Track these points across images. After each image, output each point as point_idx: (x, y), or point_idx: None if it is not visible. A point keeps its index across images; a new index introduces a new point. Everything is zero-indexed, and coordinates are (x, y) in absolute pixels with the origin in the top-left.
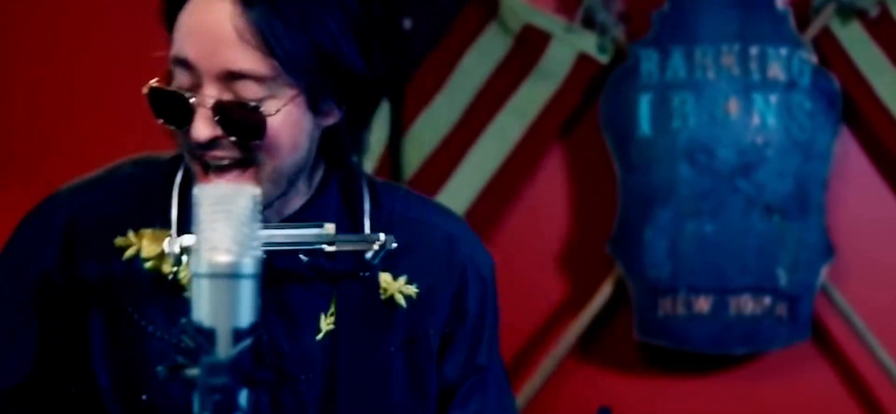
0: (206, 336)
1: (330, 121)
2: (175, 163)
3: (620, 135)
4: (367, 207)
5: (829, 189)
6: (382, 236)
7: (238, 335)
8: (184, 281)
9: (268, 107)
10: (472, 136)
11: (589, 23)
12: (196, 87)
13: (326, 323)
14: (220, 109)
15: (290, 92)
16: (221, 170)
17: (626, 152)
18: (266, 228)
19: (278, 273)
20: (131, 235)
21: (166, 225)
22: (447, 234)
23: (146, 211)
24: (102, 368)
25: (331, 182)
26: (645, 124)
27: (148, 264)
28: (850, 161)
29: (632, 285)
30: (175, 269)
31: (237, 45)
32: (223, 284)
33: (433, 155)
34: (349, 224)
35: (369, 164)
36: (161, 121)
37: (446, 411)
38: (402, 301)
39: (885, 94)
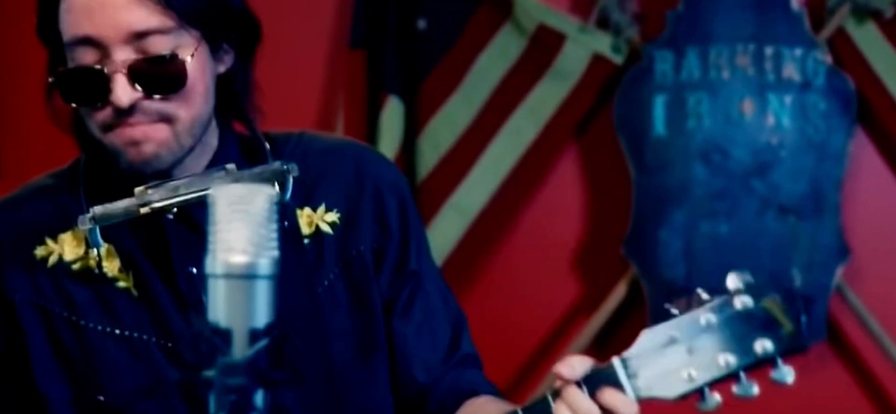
0: (223, 337)
1: (224, 67)
2: (74, 167)
3: (635, 135)
4: (267, 151)
5: (843, 190)
6: (282, 163)
7: (254, 336)
8: (107, 269)
9: (181, 54)
10: (487, 137)
11: (603, 23)
12: (103, 62)
13: None
14: (137, 69)
15: (192, 40)
16: (135, 125)
17: (640, 153)
18: (175, 184)
19: (198, 236)
20: (50, 242)
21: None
22: (353, 156)
23: (60, 215)
24: (52, 381)
25: (228, 140)
26: (659, 125)
27: (75, 266)
28: (865, 162)
29: (646, 286)
30: (97, 258)
31: (135, 6)
32: (239, 285)
33: (448, 155)
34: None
35: None
36: (73, 105)
37: (390, 324)
38: (327, 228)
39: None
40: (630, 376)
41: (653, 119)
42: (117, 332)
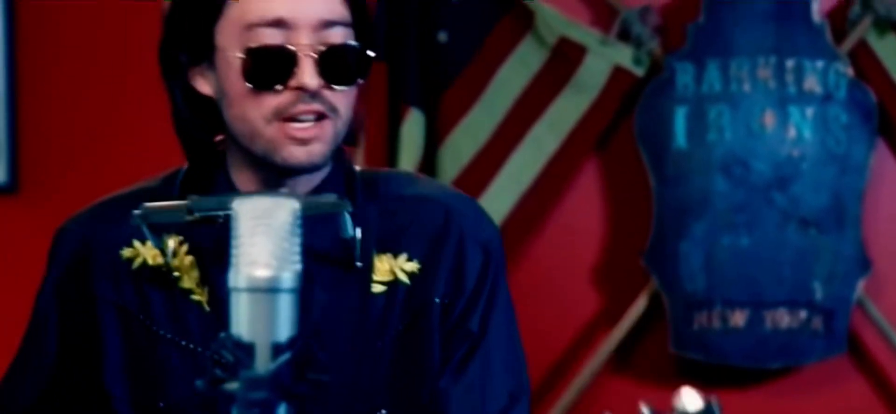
0: (246, 350)
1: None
2: (170, 181)
3: (656, 147)
4: (358, 185)
5: (865, 202)
6: (337, 198)
7: (277, 349)
8: (176, 269)
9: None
10: (508, 148)
11: (624, 35)
12: (289, 44)
13: (326, 307)
14: (325, 55)
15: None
16: (307, 122)
17: (661, 165)
18: (228, 197)
19: None
20: (137, 245)
21: (169, 230)
22: (445, 206)
23: (152, 223)
24: (117, 380)
25: (338, 167)
26: (680, 137)
27: (157, 273)
28: (887, 174)
29: (667, 298)
30: (167, 259)
31: None
32: (262, 299)
33: (469, 166)
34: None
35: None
36: (250, 86)
37: (437, 382)
38: (404, 278)
39: None
40: None
41: (674, 131)
42: (183, 343)
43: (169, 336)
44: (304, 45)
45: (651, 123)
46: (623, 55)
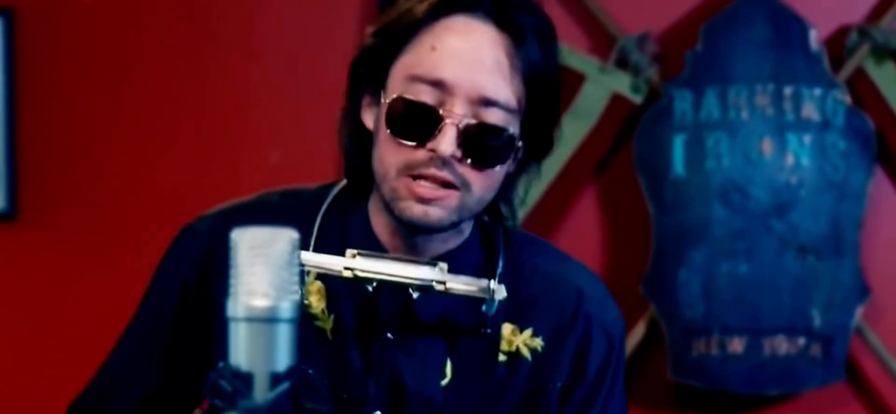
0: (244, 380)
1: (511, 168)
2: (322, 194)
3: (654, 175)
4: (501, 255)
5: (863, 229)
6: (493, 284)
7: (275, 379)
8: (314, 306)
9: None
10: None
11: (623, 63)
12: (440, 107)
13: (452, 369)
14: (472, 130)
15: (515, 131)
16: (433, 185)
17: (659, 192)
18: (386, 261)
19: (407, 311)
20: None
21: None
22: (578, 288)
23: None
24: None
25: (476, 230)
26: (679, 164)
27: None
28: (885, 201)
29: (665, 326)
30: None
31: (497, 73)
32: (261, 329)
33: None
34: (485, 273)
35: None
36: (389, 131)
37: None
38: (527, 354)
39: None
40: None
41: (672, 158)
42: (302, 368)
43: None
44: (455, 114)
45: (649, 150)
46: (621, 82)
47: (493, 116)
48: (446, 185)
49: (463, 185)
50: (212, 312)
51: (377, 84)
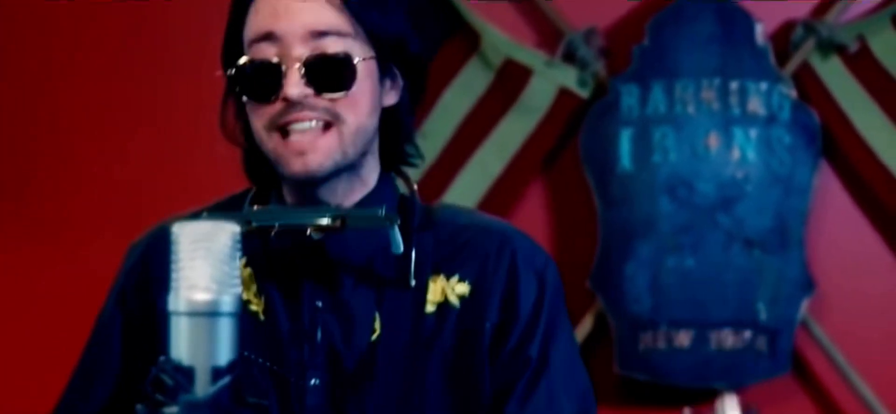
0: (185, 374)
1: (390, 100)
2: (242, 196)
3: (601, 169)
4: (415, 202)
5: (808, 223)
6: (384, 211)
7: (217, 373)
8: (246, 292)
9: (354, 58)
10: (453, 171)
11: (570, 58)
12: (281, 57)
13: (377, 325)
14: (310, 64)
15: (365, 52)
16: (303, 132)
17: (606, 187)
18: (285, 208)
19: (331, 275)
20: None
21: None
22: (499, 232)
23: None
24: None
25: (386, 187)
26: (625, 159)
27: None
28: (830, 195)
29: (612, 320)
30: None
31: (318, 8)
32: (202, 323)
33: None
34: (404, 227)
35: None
36: (245, 98)
37: (502, 412)
38: (455, 300)
39: (864, 129)
40: None
41: (619, 153)
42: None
43: None
44: (292, 57)
45: (596, 145)
46: (568, 77)
47: (332, 43)
48: (326, 126)
49: (332, 117)
50: (154, 318)
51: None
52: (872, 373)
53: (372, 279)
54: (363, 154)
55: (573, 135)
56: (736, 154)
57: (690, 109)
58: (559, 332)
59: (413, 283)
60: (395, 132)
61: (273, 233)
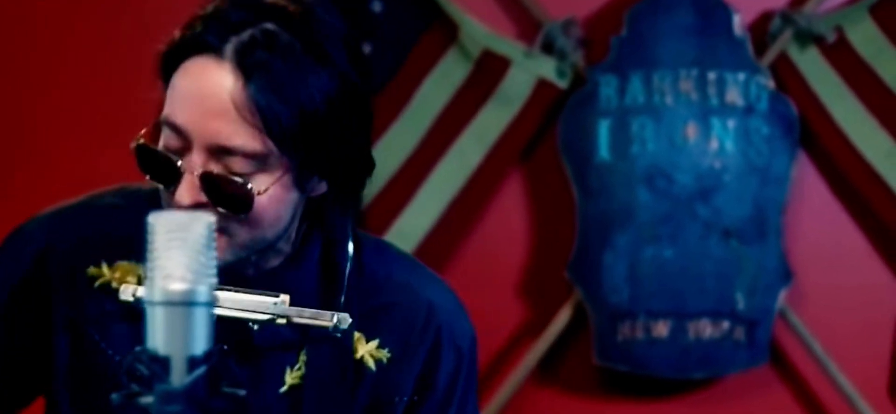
0: (161, 364)
1: (317, 192)
2: (158, 195)
3: (579, 160)
4: (347, 268)
5: (786, 214)
6: (336, 316)
7: (193, 363)
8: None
9: (257, 183)
10: (432, 161)
11: (548, 48)
12: (185, 151)
13: (292, 377)
14: (208, 181)
15: (279, 170)
16: None
17: (584, 177)
18: (221, 289)
19: (245, 347)
20: (105, 266)
21: (141, 259)
22: (428, 300)
23: (122, 243)
24: (65, 393)
25: (313, 238)
26: (603, 149)
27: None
28: (808, 186)
29: (591, 310)
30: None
31: (232, 120)
32: (178, 312)
33: (392, 179)
34: (327, 283)
35: None
36: (147, 176)
37: None
38: (371, 364)
39: (842, 119)
40: None
41: (597, 143)
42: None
43: (119, 358)
44: (194, 162)
45: (574, 136)
46: (546, 67)
47: (238, 164)
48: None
49: (223, 226)
50: (47, 317)
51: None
52: (850, 363)
53: (290, 331)
54: (277, 239)
55: (551, 125)
56: (714, 145)
57: (669, 100)
58: (470, 407)
59: (339, 335)
60: (322, 214)
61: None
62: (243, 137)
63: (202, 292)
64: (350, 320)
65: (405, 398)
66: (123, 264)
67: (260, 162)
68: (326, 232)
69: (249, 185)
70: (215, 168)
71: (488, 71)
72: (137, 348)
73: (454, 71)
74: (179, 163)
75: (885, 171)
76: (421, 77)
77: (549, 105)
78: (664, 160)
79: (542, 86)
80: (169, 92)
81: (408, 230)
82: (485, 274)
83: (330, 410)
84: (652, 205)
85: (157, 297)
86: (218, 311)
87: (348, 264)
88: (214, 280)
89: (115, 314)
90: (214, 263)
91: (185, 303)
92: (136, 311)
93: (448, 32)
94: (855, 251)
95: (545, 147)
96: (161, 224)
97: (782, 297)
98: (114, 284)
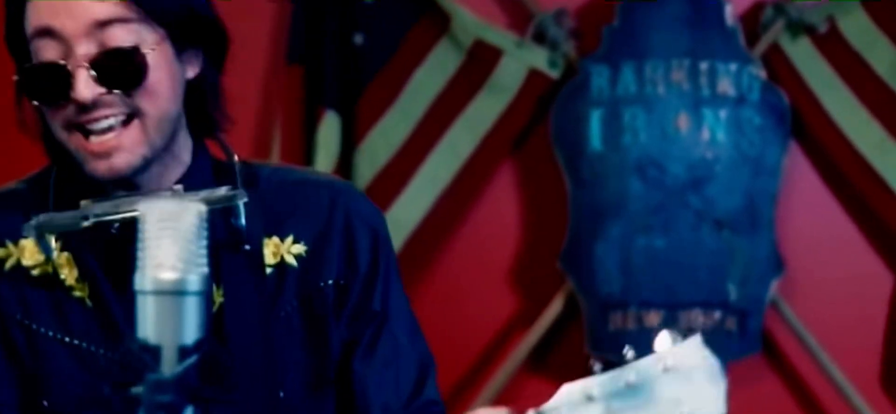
0: (152, 353)
1: (192, 72)
2: (46, 173)
3: (571, 150)
4: (238, 173)
5: (778, 204)
6: (229, 189)
7: (183, 352)
8: (66, 278)
9: (144, 48)
10: (424, 151)
11: (540, 38)
12: (66, 57)
13: (218, 295)
14: (98, 63)
15: (156, 36)
16: (104, 131)
17: (576, 167)
18: (120, 200)
19: None
20: (10, 246)
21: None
22: (329, 189)
23: (26, 221)
24: (2, 384)
25: (201, 158)
26: (596, 139)
27: (34, 272)
28: (799, 176)
29: (583, 300)
30: (52, 260)
31: None
32: (169, 301)
33: (385, 169)
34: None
35: None
36: (36, 103)
37: (350, 364)
38: (292, 261)
39: (833, 110)
40: None
41: (589, 134)
42: (67, 339)
43: (50, 334)
44: (78, 56)
45: (566, 126)
46: (538, 58)
47: (118, 34)
48: (122, 121)
49: (131, 110)
50: None
51: (24, 58)
52: (841, 352)
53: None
54: (172, 136)
55: (543, 116)
56: (706, 135)
57: (660, 90)
58: (395, 283)
59: (247, 247)
60: (201, 103)
61: (114, 228)
62: (116, 7)
63: (193, 281)
64: (246, 197)
65: (331, 281)
66: (28, 242)
67: (136, 30)
68: (209, 132)
69: (137, 46)
70: (99, 51)
71: (480, 61)
72: (128, 337)
73: (446, 61)
74: (66, 63)
75: (877, 161)
76: (413, 67)
77: (541, 95)
78: (656, 150)
79: (534, 76)
80: (29, 11)
81: (400, 220)
82: (477, 264)
83: (251, 321)
84: (644, 195)
85: (148, 285)
86: (117, 215)
87: (238, 170)
88: (206, 269)
89: (36, 291)
90: (205, 251)
91: (176, 292)
92: (54, 281)
93: (440, 23)
94: (846, 241)
95: (537, 137)
96: (152, 213)
97: (774, 287)
98: (25, 261)
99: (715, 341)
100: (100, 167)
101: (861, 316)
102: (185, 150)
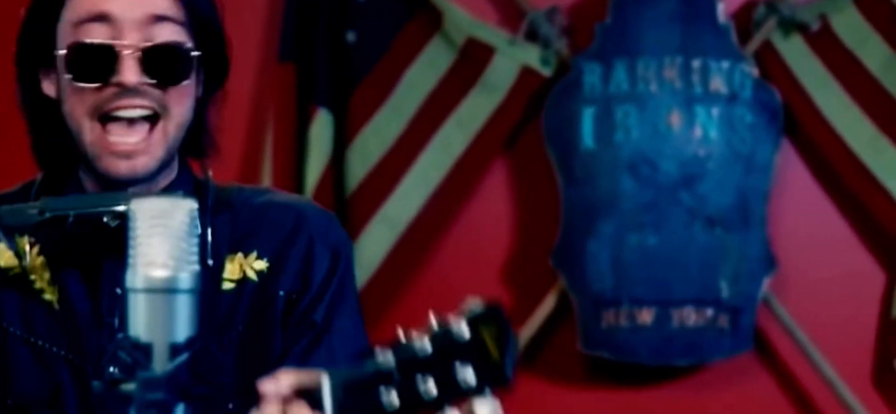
0: (143, 351)
1: (198, 92)
2: (28, 187)
3: (563, 147)
4: (211, 191)
5: (770, 202)
6: (182, 194)
7: (175, 350)
8: (37, 280)
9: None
10: (416, 149)
11: (532, 36)
12: (114, 40)
13: None
14: (149, 52)
15: (191, 43)
16: (130, 122)
17: (569, 165)
18: (84, 196)
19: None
20: None
21: (22, 231)
22: (296, 209)
23: (6, 224)
24: None
25: (184, 175)
26: (588, 137)
27: (9, 274)
28: (791, 174)
29: (575, 298)
30: (22, 261)
31: None
32: (160, 299)
33: (377, 167)
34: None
35: (312, 176)
36: (70, 78)
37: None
38: (253, 275)
39: (825, 108)
40: (334, 395)
41: (581, 131)
42: (32, 340)
43: (18, 333)
44: (130, 43)
45: (558, 123)
46: (531, 55)
47: (167, 32)
48: (151, 119)
49: (161, 108)
50: None
51: (49, 48)
52: (833, 350)
53: None
54: (174, 152)
55: (536, 113)
56: (698, 132)
57: (653, 88)
58: (346, 302)
59: (210, 262)
60: (198, 124)
61: (69, 220)
62: (169, 5)
63: (184, 279)
64: (196, 203)
65: (282, 293)
66: (2, 245)
67: (182, 31)
68: (197, 153)
69: (185, 44)
70: (150, 43)
71: (472, 59)
72: (119, 335)
73: (438, 59)
74: (118, 47)
75: (869, 159)
76: (405, 65)
77: (534, 93)
78: (648, 148)
79: (527, 74)
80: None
81: (392, 218)
82: (469, 261)
83: (205, 331)
84: (636, 193)
85: (140, 283)
86: (78, 210)
87: (211, 190)
88: (197, 267)
89: (5, 291)
90: (196, 249)
91: (167, 290)
92: (22, 281)
93: (432, 20)
94: (838, 238)
95: (529, 135)
96: (143, 211)
97: (766, 284)
98: (2, 263)
99: (707, 339)
100: (121, 167)
101: (853, 314)
102: (174, 161)
